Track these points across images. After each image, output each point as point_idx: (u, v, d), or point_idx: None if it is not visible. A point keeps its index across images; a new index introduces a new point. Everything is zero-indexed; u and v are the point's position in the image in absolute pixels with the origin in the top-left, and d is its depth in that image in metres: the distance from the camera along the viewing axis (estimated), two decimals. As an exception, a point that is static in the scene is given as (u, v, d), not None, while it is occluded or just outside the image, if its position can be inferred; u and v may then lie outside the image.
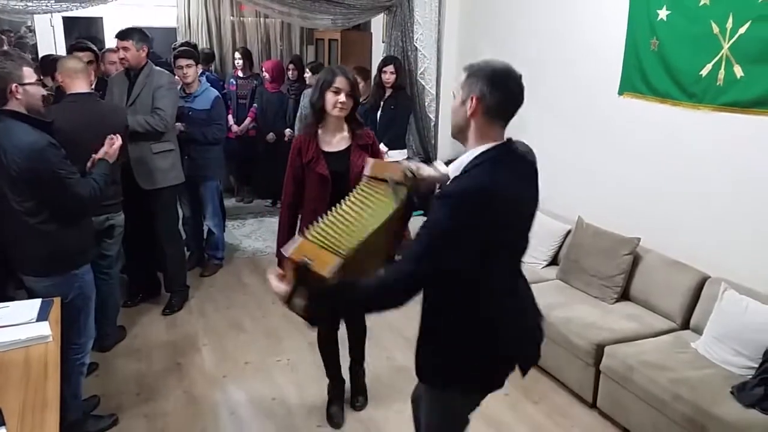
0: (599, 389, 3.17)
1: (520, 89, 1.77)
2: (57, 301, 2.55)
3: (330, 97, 2.78)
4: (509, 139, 1.80)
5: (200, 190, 4.69)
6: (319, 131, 2.88)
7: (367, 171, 2.04)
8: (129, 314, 4.18)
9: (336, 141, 2.89)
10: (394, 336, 4.06)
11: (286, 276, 1.81)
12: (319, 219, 1.90)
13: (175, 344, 3.90)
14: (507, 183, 1.70)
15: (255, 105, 6.39)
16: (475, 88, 1.73)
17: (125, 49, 3.84)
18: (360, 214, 1.88)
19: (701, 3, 3.28)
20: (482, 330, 1.81)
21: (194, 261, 5.02)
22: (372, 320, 4.28)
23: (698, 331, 3.20)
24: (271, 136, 6.27)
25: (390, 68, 5.10)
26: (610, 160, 3.99)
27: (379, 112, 5.20)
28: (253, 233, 6.02)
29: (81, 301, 2.80)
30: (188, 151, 4.44)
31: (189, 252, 4.96)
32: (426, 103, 5.66)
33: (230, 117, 6.30)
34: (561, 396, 3.39)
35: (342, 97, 2.77)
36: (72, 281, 2.75)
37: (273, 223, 6.29)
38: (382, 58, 5.57)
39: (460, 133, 1.81)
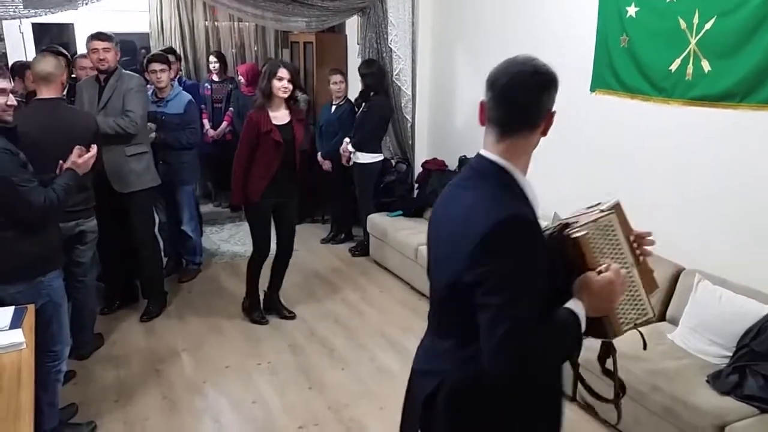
0: (578, 383, 3.19)
1: (515, 88, 1.41)
2: (31, 308, 2.51)
3: (275, 83, 3.74)
4: (490, 161, 1.47)
5: (176, 195, 4.65)
6: (268, 110, 3.79)
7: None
8: (106, 321, 4.13)
9: (281, 116, 3.85)
10: (375, 336, 4.07)
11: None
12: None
13: (154, 350, 3.85)
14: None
15: (231, 109, 6.36)
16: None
17: (106, 50, 3.81)
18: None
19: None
20: None
21: (172, 267, 4.98)
22: (354, 320, 4.31)
23: (675, 323, 3.25)
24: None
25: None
26: (583, 156, 4.04)
27: (358, 114, 5.24)
28: (231, 238, 5.98)
29: (51, 308, 2.76)
30: (163, 156, 4.40)
31: (166, 258, 4.91)
32: (402, 104, 5.68)
33: (206, 121, 6.27)
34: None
35: (285, 83, 3.74)
36: (39, 288, 2.70)
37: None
38: (361, 59, 5.60)
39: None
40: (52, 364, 2.83)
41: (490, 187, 1.42)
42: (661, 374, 2.81)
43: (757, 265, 3.04)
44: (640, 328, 1.55)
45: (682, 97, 3.35)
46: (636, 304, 1.53)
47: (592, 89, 3.91)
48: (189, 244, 4.91)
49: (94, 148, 2.97)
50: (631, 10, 3.57)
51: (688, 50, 3.28)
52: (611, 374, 1.59)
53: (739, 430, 2.44)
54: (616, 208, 1.53)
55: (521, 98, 1.41)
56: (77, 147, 2.91)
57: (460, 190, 1.51)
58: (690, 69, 3.28)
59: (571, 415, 3.17)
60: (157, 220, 4.59)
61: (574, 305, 1.39)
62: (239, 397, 3.39)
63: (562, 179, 4.22)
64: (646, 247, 1.59)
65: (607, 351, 1.57)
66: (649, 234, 1.60)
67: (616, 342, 1.58)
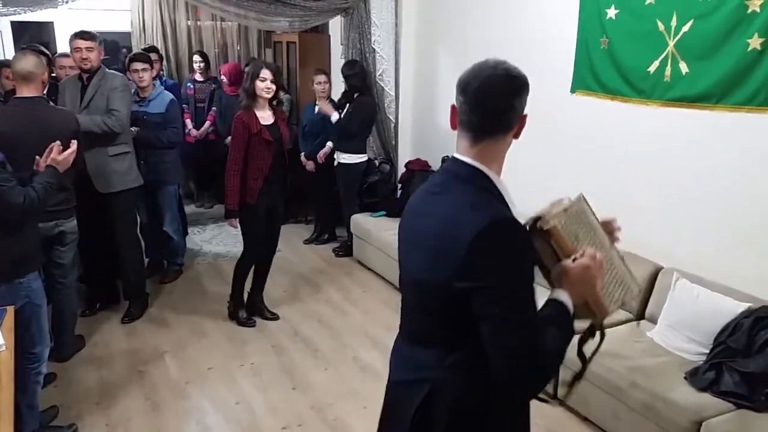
0: (560, 381, 3.22)
1: (488, 91, 1.39)
2: (10, 309, 2.49)
3: (258, 83, 3.77)
4: (465, 164, 1.44)
5: (158, 195, 4.62)
6: (255, 110, 3.81)
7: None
8: (87, 323, 4.09)
9: (266, 116, 3.87)
10: (358, 336, 4.08)
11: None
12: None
13: (136, 352, 3.83)
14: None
15: (214, 108, 6.34)
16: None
17: (89, 49, 3.78)
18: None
19: (647, 2, 3.39)
20: None
21: (153, 268, 4.95)
22: (337, 320, 4.31)
23: (654, 321, 3.30)
24: (230, 139, 6.21)
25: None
26: (563, 157, 4.08)
27: (342, 114, 5.25)
28: (214, 238, 5.96)
29: (30, 309, 2.73)
30: (144, 155, 4.38)
31: (148, 259, 4.88)
32: (386, 105, 5.69)
33: (188, 121, 6.24)
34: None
35: (268, 83, 3.78)
36: (17, 290, 2.68)
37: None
38: (344, 60, 5.61)
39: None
40: (32, 366, 2.80)
41: (470, 191, 1.39)
42: (640, 371, 2.86)
43: (734, 264, 3.10)
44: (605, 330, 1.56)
45: (661, 98, 3.40)
46: (620, 283, 1.55)
47: (573, 90, 3.96)
48: (170, 245, 4.88)
49: (74, 145, 2.94)
50: (611, 12, 3.62)
51: (666, 52, 3.33)
52: (584, 358, 1.57)
53: (715, 426, 2.48)
54: (583, 198, 1.55)
55: (495, 103, 1.39)
56: (56, 143, 2.88)
57: (434, 196, 1.47)
58: (668, 70, 3.33)
59: (552, 413, 3.22)
60: (138, 221, 4.55)
61: (559, 295, 1.40)
62: (223, 398, 3.38)
63: (542, 180, 4.26)
64: (615, 234, 1.62)
65: (591, 333, 1.56)
66: (614, 219, 1.62)
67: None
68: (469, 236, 1.29)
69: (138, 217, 4.50)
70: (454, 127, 1.47)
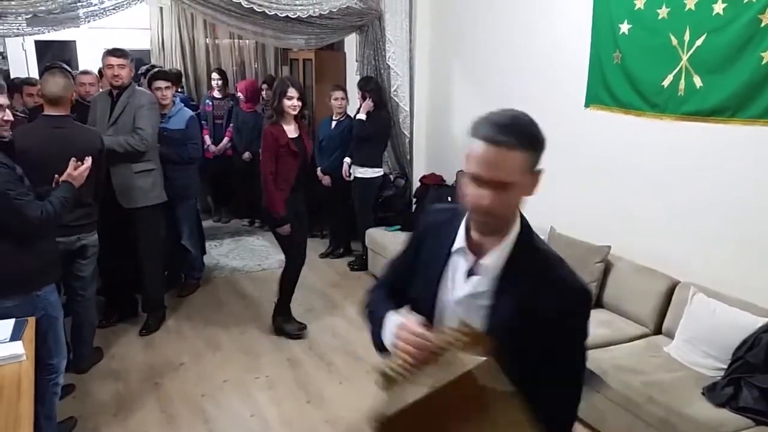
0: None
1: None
2: (31, 321, 2.54)
3: (286, 101, 3.92)
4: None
5: (177, 209, 4.68)
6: (282, 124, 3.96)
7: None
8: (105, 335, 4.14)
9: (292, 130, 4.02)
10: (373, 350, 4.07)
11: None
12: None
13: (153, 364, 3.87)
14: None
15: (231, 125, 6.43)
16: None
17: (121, 66, 3.87)
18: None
19: (660, 17, 3.41)
20: None
21: (171, 281, 5.00)
22: (352, 334, 4.31)
23: (670, 335, 3.27)
24: (247, 155, 6.30)
25: (357, 88, 5.37)
26: (579, 171, 4.08)
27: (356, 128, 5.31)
28: (231, 252, 6.01)
29: (47, 322, 2.78)
30: (163, 171, 4.44)
31: (166, 272, 4.92)
32: (400, 120, 5.74)
33: (207, 137, 6.33)
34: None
35: (294, 102, 3.94)
36: (35, 302, 2.73)
37: (251, 242, 6.31)
38: (359, 76, 5.67)
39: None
40: (50, 378, 2.85)
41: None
42: (656, 386, 2.83)
43: (751, 278, 3.07)
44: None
45: (675, 112, 3.40)
46: None
47: (587, 105, 3.97)
48: (188, 258, 4.93)
49: (88, 161, 3.01)
50: (624, 27, 3.64)
51: (679, 66, 3.34)
52: None
53: (734, 442, 2.46)
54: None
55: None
56: (72, 159, 2.95)
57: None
58: (682, 84, 3.34)
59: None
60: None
61: None
62: (237, 410, 3.40)
63: (556, 194, 4.25)
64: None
65: None
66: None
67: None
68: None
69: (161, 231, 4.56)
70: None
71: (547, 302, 1.29)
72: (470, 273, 1.40)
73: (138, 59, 6.73)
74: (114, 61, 3.87)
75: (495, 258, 1.36)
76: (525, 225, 1.40)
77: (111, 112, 3.92)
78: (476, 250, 1.40)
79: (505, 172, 1.28)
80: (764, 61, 2.94)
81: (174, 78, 4.69)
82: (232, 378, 3.72)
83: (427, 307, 1.46)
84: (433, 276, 1.46)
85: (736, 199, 3.15)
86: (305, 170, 4.18)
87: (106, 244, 3.69)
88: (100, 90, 4.40)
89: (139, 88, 4.09)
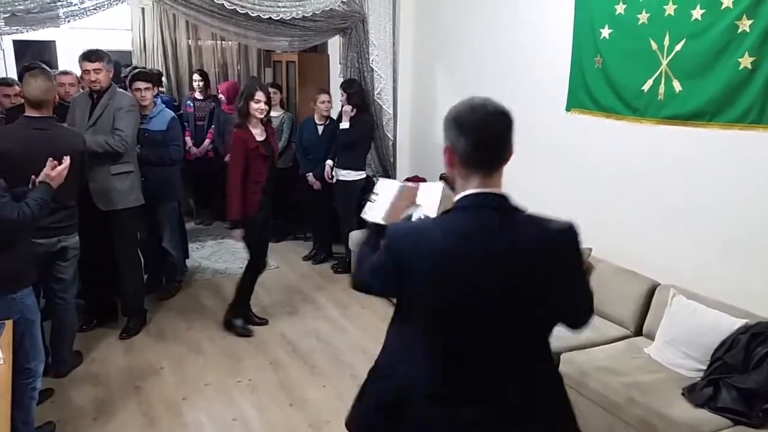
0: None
1: (479, 122, 1.49)
2: (9, 324, 2.50)
3: (252, 104, 3.91)
4: (498, 194, 1.52)
5: (158, 212, 4.64)
6: (249, 127, 3.95)
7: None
8: (86, 339, 4.09)
9: (259, 133, 4.02)
10: (356, 353, 4.07)
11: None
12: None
13: (134, 368, 3.82)
14: (436, 235, 1.49)
15: (213, 126, 6.39)
16: (447, 138, 1.53)
17: (97, 71, 3.81)
18: None
19: (640, 22, 3.45)
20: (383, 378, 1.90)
21: (152, 284, 4.95)
22: (336, 337, 4.31)
23: (651, 337, 3.31)
24: (229, 155, 6.25)
25: (340, 90, 5.34)
26: (560, 174, 4.11)
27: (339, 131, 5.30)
28: (213, 255, 5.97)
29: (23, 325, 2.73)
30: (144, 172, 4.39)
31: (146, 275, 4.88)
32: (384, 123, 5.74)
33: (188, 139, 6.28)
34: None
35: (261, 105, 3.93)
36: (11, 305, 2.68)
37: (233, 244, 6.24)
38: (342, 79, 5.67)
39: (451, 184, 1.62)
40: (27, 382, 2.80)
41: (526, 214, 1.53)
42: (637, 387, 2.86)
43: (730, 280, 3.11)
44: None
45: (655, 116, 3.44)
46: None
47: (568, 109, 4.00)
48: (169, 261, 4.89)
49: (66, 161, 2.97)
50: (605, 32, 3.68)
51: (659, 71, 3.38)
52: None
53: (713, 442, 2.49)
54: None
55: (505, 137, 1.52)
56: (50, 160, 2.91)
57: (503, 229, 1.49)
58: (662, 89, 3.38)
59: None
60: (137, 238, 4.57)
61: None
62: (219, 414, 3.37)
63: (538, 196, 4.27)
64: None
65: None
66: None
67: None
68: (571, 238, 1.52)
69: (138, 234, 4.52)
70: (452, 167, 1.54)
71: None
72: None
73: (116, 61, 6.69)
74: (89, 66, 3.82)
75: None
76: (452, 206, 1.56)
77: (91, 113, 3.88)
78: None
79: None
80: (741, 67, 2.99)
81: (155, 79, 4.65)
82: (213, 382, 3.69)
83: None
84: None
85: (715, 201, 3.19)
86: (273, 172, 4.20)
87: (85, 246, 3.64)
88: (81, 90, 4.35)
89: (120, 89, 4.05)
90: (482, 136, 1.49)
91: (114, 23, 6.67)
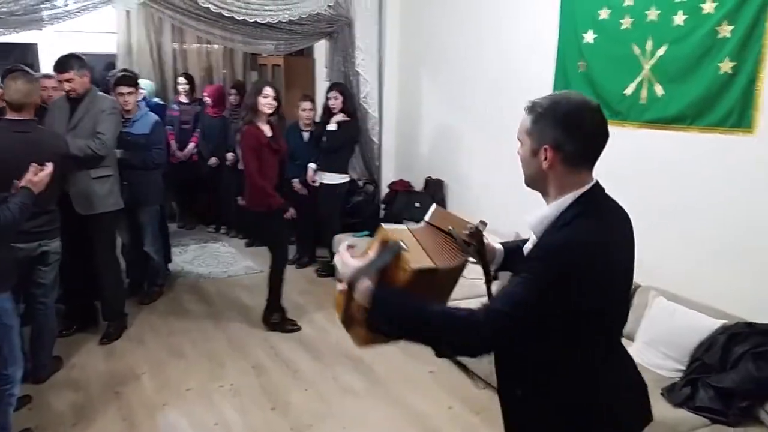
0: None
1: (601, 125, 1.50)
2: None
3: (261, 99, 4.01)
4: (596, 182, 1.56)
5: (139, 215, 4.60)
6: (258, 123, 4.04)
7: (427, 216, 1.73)
8: (66, 344, 4.03)
9: (267, 129, 4.11)
10: (339, 357, 4.05)
11: (365, 254, 1.56)
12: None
13: (114, 373, 3.78)
14: (606, 236, 1.51)
15: (198, 130, 6.35)
16: (546, 137, 1.48)
17: (69, 80, 3.77)
18: (441, 248, 1.62)
19: (623, 27, 3.48)
20: (597, 408, 1.56)
21: (134, 288, 4.91)
22: (319, 341, 4.28)
23: (631, 338, 3.30)
24: (213, 161, 6.23)
25: (333, 93, 5.27)
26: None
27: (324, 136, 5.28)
28: (196, 259, 5.93)
29: (2, 330, 2.70)
30: (127, 176, 4.36)
31: (128, 279, 4.84)
32: (369, 127, 5.75)
33: (173, 142, 6.25)
34: (503, 408, 3.44)
35: (270, 100, 4.04)
36: None
37: (216, 248, 6.24)
38: (328, 83, 5.67)
39: (535, 184, 1.59)
40: (4, 387, 2.77)
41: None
42: (618, 389, 2.86)
43: (709, 282, 3.14)
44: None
45: (637, 120, 3.47)
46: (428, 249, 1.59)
47: (552, 112, 4.02)
48: (151, 265, 4.84)
49: (49, 166, 2.94)
50: (589, 37, 3.71)
51: (642, 75, 3.41)
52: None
53: (692, 442, 2.50)
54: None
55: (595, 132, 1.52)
56: (32, 165, 2.88)
57: (622, 221, 1.62)
58: (644, 93, 3.41)
59: None
60: (119, 242, 4.53)
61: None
62: (201, 419, 3.34)
63: (525, 200, 4.30)
64: None
65: None
66: None
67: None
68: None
69: (118, 237, 4.48)
70: (551, 167, 1.51)
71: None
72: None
73: (109, 63, 6.65)
74: (59, 77, 3.80)
75: (531, 219, 1.57)
76: (576, 208, 1.50)
77: (71, 116, 3.84)
78: None
79: (518, 129, 1.58)
80: (721, 71, 3.03)
81: (135, 81, 4.61)
82: (195, 386, 3.65)
83: None
84: None
85: (695, 204, 3.22)
86: (283, 169, 4.32)
87: (66, 251, 3.60)
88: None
89: (101, 93, 4.02)
90: (600, 133, 1.50)
91: (99, 26, 6.62)
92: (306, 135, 5.55)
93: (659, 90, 3.34)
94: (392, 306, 1.47)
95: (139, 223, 4.64)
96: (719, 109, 3.06)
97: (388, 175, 5.89)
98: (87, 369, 3.82)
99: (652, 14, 3.33)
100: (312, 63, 6.76)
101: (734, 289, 3.03)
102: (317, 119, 5.58)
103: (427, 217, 1.71)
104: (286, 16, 5.18)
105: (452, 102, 5.05)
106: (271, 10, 5.10)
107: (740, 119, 2.99)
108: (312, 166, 5.40)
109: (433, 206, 1.76)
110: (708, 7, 3.07)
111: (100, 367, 3.86)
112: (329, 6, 5.36)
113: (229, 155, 6.09)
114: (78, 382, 3.67)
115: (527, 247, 1.63)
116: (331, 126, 5.25)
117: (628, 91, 3.50)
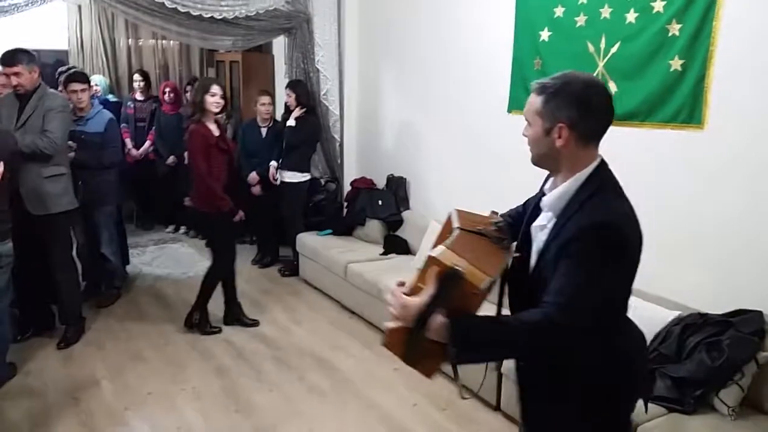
0: (502, 391, 3.28)
1: (610, 101, 1.59)
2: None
3: (208, 98, 3.92)
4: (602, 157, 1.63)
5: (95, 216, 4.49)
6: (205, 122, 3.96)
7: (455, 223, 1.74)
8: (20, 350, 3.91)
9: (214, 128, 4.02)
10: (303, 356, 4.04)
11: (418, 288, 1.52)
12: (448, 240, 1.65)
13: (72, 378, 3.68)
14: (628, 209, 1.62)
15: (154, 128, 6.23)
16: (560, 115, 1.53)
17: (17, 74, 3.65)
18: (485, 253, 1.64)
19: (578, 24, 3.55)
20: (622, 372, 1.63)
21: (91, 291, 4.79)
22: (283, 341, 4.26)
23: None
24: (171, 159, 6.13)
25: (287, 91, 5.30)
26: (503, 174, 4.18)
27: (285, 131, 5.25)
28: (154, 261, 5.82)
29: None
30: (82, 176, 4.26)
31: (84, 282, 4.72)
32: (330, 124, 5.73)
33: (128, 141, 6.12)
34: (467, 402, 3.48)
35: (217, 98, 3.94)
36: None
37: (175, 249, 6.15)
38: (287, 79, 5.63)
39: (546, 163, 1.65)
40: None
41: None
42: (578, 380, 2.93)
43: (664, 275, 3.22)
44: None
45: (592, 116, 3.53)
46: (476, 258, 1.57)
47: (509, 110, 4.08)
48: (108, 267, 4.74)
49: (0, 166, 2.84)
50: (544, 35, 3.76)
51: (596, 72, 3.48)
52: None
53: (649, 430, 2.56)
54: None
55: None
56: None
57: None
58: (599, 90, 3.47)
59: (496, 424, 3.27)
60: (74, 243, 4.41)
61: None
62: (163, 423, 3.28)
63: (480, 195, 4.35)
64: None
65: None
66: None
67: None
68: None
69: (74, 239, 4.37)
70: (565, 145, 1.56)
71: (565, 233, 1.52)
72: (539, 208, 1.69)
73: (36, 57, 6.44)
74: (7, 70, 3.67)
75: (548, 198, 1.63)
76: (593, 182, 1.58)
77: (19, 114, 3.72)
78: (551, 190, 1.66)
79: (525, 109, 1.63)
80: (672, 69, 3.11)
81: (87, 78, 4.50)
82: (156, 390, 3.59)
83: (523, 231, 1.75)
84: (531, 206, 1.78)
85: (650, 199, 3.29)
86: (231, 169, 4.24)
87: (18, 252, 3.49)
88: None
89: (51, 90, 3.90)
90: (609, 110, 1.58)
91: (49, 21, 6.43)
92: (264, 130, 5.51)
93: (613, 87, 3.41)
94: (474, 335, 1.47)
95: (96, 224, 4.54)
96: (671, 105, 3.15)
97: (350, 173, 5.88)
98: (44, 375, 3.72)
99: (606, 12, 3.40)
100: (271, 59, 6.69)
101: (688, 281, 3.13)
102: (278, 118, 5.54)
103: (455, 224, 1.71)
104: (243, 11, 5.13)
105: (413, 98, 5.07)
106: (227, 6, 5.04)
107: (691, 115, 3.08)
108: (273, 164, 5.36)
109: (454, 210, 1.80)
110: (658, 6, 3.14)
111: (57, 372, 3.76)
112: (287, 2, 5.32)
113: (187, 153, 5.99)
114: (34, 389, 3.57)
115: (540, 224, 1.68)
116: (291, 122, 5.21)
117: (584, 88, 3.56)
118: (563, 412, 1.64)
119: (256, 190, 5.49)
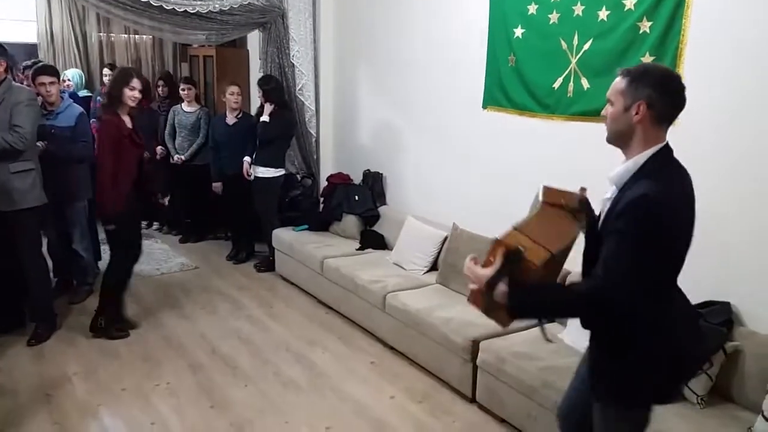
0: (477, 384, 3.33)
1: (684, 90, 1.76)
2: None
3: (127, 91, 3.78)
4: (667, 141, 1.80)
5: (66, 212, 4.43)
6: (120, 114, 3.84)
7: (541, 197, 1.97)
8: (-11, 348, 3.86)
9: (128, 121, 3.89)
10: (280, 351, 4.04)
11: (489, 262, 1.78)
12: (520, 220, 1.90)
13: (44, 376, 3.63)
14: (680, 188, 1.76)
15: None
16: (641, 94, 1.72)
17: None
18: (556, 228, 1.88)
19: (551, 22, 3.60)
20: (667, 339, 1.80)
21: (62, 288, 4.72)
22: (258, 336, 4.25)
23: (564, 324, 3.45)
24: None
25: (258, 89, 5.28)
26: (477, 168, 4.23)
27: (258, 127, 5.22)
28: (129, 257, 5.74)
29: None
30: (52, 171, 4.18)
31: (56, 278, 4.65)
32: (306, 119, 5.72)
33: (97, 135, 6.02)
34: (443, 394, 3.51)
35: (136, 93, 3.81)
36: None
37: (149, 245, 6.06)
38: (262, 74, 5.60)
39: (620, 139, 1.82)
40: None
41: None
42: (552, 371, 2.98)
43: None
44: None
45: (565, 113, 3.59)
46: (543, 234, 1.81)
47: (484, 106, 4.12)
48: (80, 263, 4.68)
49: None
50: (518, 32, 3.81)
51: (569, 69, 3.53)
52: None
53: (620, 419, 2.62)
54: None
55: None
56: None
57: (689, 177, 1.82)
58: (571, 87, 3.54)
59: (472, 415, 3.31)
60: (45, 239, 4.34)
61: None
62: (137, 420, 3.26)
63: (456, 190, 4.40)
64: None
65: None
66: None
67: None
68: None
69: (44, 235, 4.30)
70: (640, 121, 1.74)
71: (619, 206, 1.72)
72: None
73: (6, 50, 6.31)
74: None
75: (615, 172, 1.82)
76: (656, 161, 1.76)
77: None
78: None
79: (609, 91, 1.81)
80: (643, 66, 3.17)
81: (56, 71, 4.43)
82: (130, 386, 3.56)
83: None
84: None
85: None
86: (142, 164, 4.10)
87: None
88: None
89: (17, 83, 3.83)
90: (683, 96, 1.76)
91: (17, 13, 6.30)
92: (230, 119, 5.46)
93: (585, 83, 3.47)
94: (529, 301, 1.77)
95: (67, 220, 4.47)
96: (642, 102, 3.21)
97: (326, 168, 5.88)
98: (14, 373, 3.66)
99: (578, 9, 3.45)
100: (246, 54, 6.66)
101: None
102: (254, 113, 5.51)
103: (540, 198, 1.95)
104: (217, 5, 5.09)
105: (389, 94, 5.08)
106: (200, 0, 4.99)
107: (661, 112, 3.14)
108: (247, 159, 5.33)
109: (542, 186, 1.99)
110: (629, 3, 3.20)
111: (28, 370, 3.70)
112: (262, -4, 5.29)
113: (159, 148, 5.93)
114: (4, 386, 3.51)
115: (606, 197, 1.87)
116: (264, 118, 5.19)
117: (556, 84, 3.62)
118: (621, 367, 1.84)
119: (218, 188, 5.56)
